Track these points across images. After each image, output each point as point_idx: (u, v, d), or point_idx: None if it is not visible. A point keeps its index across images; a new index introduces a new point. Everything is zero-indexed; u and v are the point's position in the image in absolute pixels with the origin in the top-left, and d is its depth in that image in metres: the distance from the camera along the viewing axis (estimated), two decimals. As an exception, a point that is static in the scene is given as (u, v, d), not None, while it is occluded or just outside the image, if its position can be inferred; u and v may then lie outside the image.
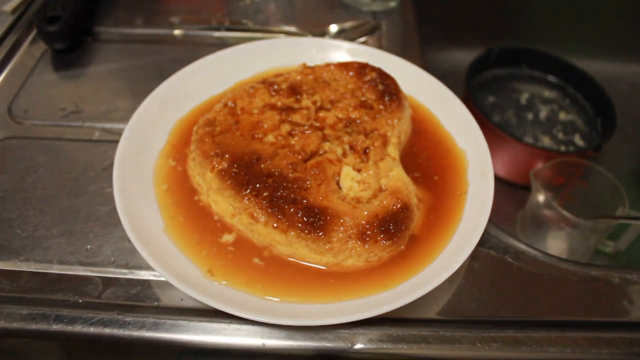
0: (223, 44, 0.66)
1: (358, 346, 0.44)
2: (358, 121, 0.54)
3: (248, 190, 0.47)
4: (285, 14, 0.79)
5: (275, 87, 0.56)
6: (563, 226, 0.71)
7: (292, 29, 0.74)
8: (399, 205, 0.47)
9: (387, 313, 0.41)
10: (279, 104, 0.55)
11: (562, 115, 0.93)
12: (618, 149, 0.89)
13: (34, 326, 0.45)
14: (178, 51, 0.67)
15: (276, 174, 0.48)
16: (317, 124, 0.54)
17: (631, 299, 0.49)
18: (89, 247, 0.50)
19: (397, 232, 0.46)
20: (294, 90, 0.56)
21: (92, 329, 0.44)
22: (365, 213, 0.47)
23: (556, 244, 0.74)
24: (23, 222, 0.52)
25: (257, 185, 0.47)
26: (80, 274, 0.48)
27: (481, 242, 0.51)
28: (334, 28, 0.74)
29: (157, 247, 0.45)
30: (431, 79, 0.61)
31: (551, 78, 0.97)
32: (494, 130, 0.79)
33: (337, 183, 0.50)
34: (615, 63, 0.97)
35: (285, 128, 0.52)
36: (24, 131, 0.62)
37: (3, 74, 0.68)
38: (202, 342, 0.44)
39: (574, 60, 0.93)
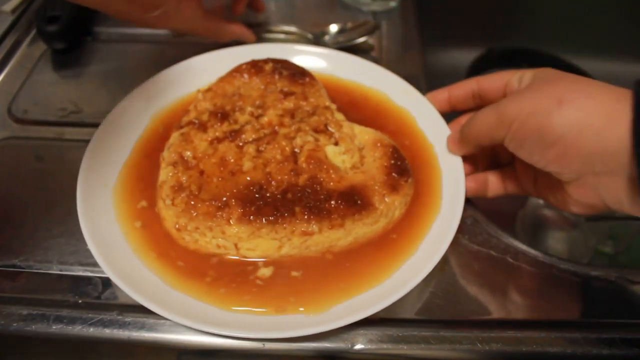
0: (223, 44, 0.66)
1: (358, 346, 0.44)
2: (298, 109, 0.55)
3: (286, 215, 0.46)
4: (285, 14, 0.79)
5: (197, 122, 0.53)
6: (563, 226, 0.71)
7: (292, 28, 0.74)
8: (389, 149, 0.51)
9: (388, 313, 0.41)
10: (219, 134, 0.52)
11: (562, 115, 0.93)
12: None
13: (33, 326, 0.45)
14: (178, 51, 0.66)
15: (289, 187, 0.48)
16: (269, 130, 0.53)
17: (631, 299, 0.49)
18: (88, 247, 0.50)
19: (406, 167, 0.51)
20: (221, 115, 0.54)
21: (92, 329, 0.44)
22: (375, 170, 0.50)
23: (556, 244, 0.74)
24: (23, 222, 0.52)
25: (287, 206, 0.46)
26: (80, 274, 0.48)
27: (481, 242, 0.51)
28: (334, 28, 0.74)
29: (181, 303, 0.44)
30: (336, 52, 0.64)
31: (551, 78, 0.96)
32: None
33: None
34: (615, 63, 0.97)
35: (252, 148, 0.51)
36: (24, 131, 0.61)
37: (3, 74, 0.68)
38: (202, 342, 0.44)
39: (574, 60, 0.92)
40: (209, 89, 0.58)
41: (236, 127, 0.53)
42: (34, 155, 0.59)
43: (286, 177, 0.49)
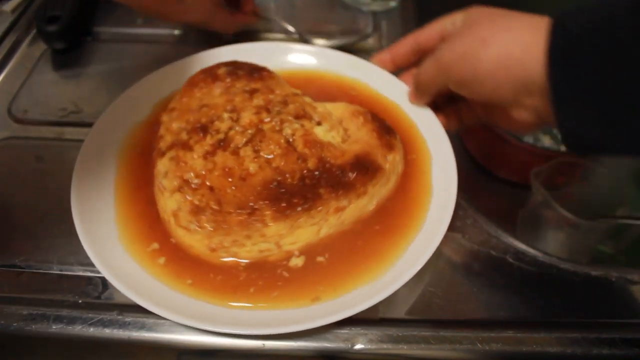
0: (223, 43, 0.66)
1: (358, 346, 0.44)
2: (269, 103, 0.54)
3: (316, 199, 0.47)
4: (285, 14, 0.79)
5: (178, 143, 0.51)
6: (563, 226, 0.71)
7: (292, 29, 0.74)
8: (369, 115, 0.54)
9: (389, 312, 0.41)
10: (208, 147, 0.50)
11: (562, 115, 0.92)
12: (618, 149, 0.88)
13: (33, 326, 0.45)
14: (178, 51, 0.66)
15: (304, 174, 0.48)
16: (254, 130, 0.52)
17: (631, 299, 0.49)
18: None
19: (389, 126, 0.55)
20: (201, 129, 0.51)
21: (92, 329, 0.44)
22: (367, 137, 0.52)
23: (556, 244, 0.74)
24: (23, 222, 0.52)
25: (312, 191, 0.47)
26: (80, 274, 0.48)
27: (481, 242, 0.52)
28: (330, 31, 0.74)
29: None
30: (286, 44, 0.66)
31: (551, 78, 0.96)
32: (494, 130, 0.79)
33: None
34: (615, 63, 0.97)
35: (248, 151, 0.50)
36: (24, 131, 0.62)
37: (3, 74, 0.68)
38: (202, 342, 0.44)
39: (574, 60, 0.92)
40: (172, 109, 0.55)
41: (221, 136, 0.51)
42: (34, 155, 0.59)
43: (295, 166, 0.49)
